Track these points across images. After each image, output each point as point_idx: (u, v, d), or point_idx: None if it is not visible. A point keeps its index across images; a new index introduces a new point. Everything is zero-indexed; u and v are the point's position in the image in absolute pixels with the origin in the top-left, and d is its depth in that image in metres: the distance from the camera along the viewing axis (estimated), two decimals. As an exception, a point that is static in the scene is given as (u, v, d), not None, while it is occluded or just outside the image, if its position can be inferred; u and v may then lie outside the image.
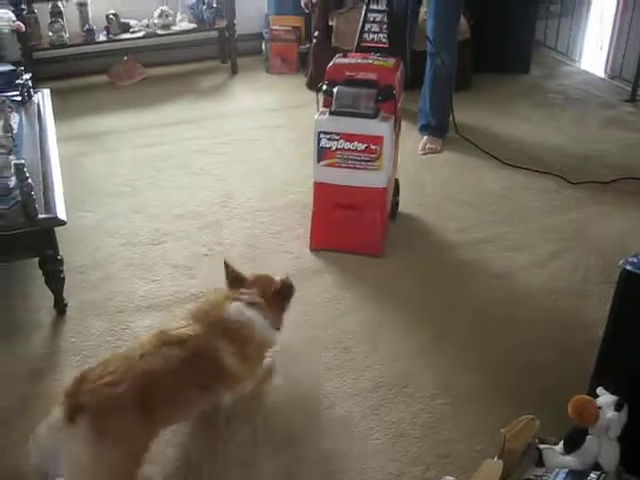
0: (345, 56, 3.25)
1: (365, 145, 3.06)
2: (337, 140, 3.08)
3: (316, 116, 3.13)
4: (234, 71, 5.64)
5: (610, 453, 1.91)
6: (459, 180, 3.96)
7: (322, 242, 3.31)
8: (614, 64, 5.66)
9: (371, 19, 3.33)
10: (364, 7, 3.35)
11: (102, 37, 5.34)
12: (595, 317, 2.62)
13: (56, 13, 5.27)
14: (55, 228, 2.75)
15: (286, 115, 4.82)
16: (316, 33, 5.16)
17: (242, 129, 4.58)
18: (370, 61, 3.17)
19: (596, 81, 5.51)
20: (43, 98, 3.86)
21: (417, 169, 4.06)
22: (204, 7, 5.53)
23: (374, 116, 3.06)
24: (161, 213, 3.61)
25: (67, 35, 5.30)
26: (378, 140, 3.05)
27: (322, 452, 2.28)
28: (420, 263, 3.24)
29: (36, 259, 2.79)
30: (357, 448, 2.29)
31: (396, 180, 3.56)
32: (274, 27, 5.66)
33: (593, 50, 6.07)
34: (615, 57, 5.66)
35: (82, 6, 5.33)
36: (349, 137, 3.07)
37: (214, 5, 5.57)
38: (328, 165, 3.14)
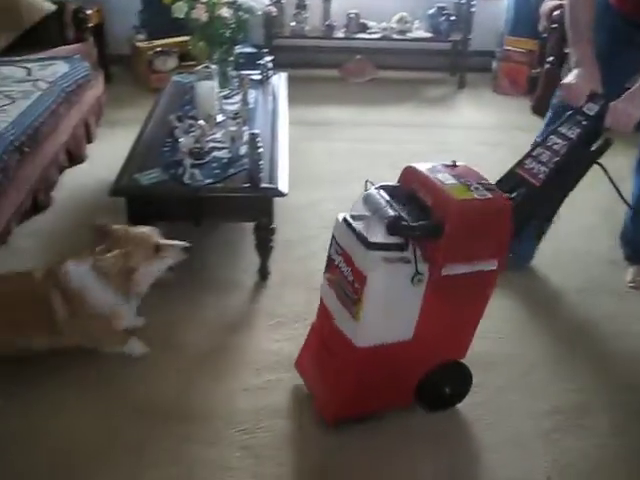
0: (453, 166, 2.18)
1: (353, 279, 2.13)
2: (339, 255, 2.22)
3: (340, 214, 2.26)
4: (461, 85, 5.69)
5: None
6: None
7: (302, 366, 2.52)
8: None
9: (549, 143, 2.31)
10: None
11: (340, 34, 5.59)
12: None
13: (302, 5, 5.58)
14: (274, 200, 2.92)
15: (507, 135, 4.76)
16: (550, 59, 5.08)
17: (461, 141, 4.61)
18: (450, 183, 2.07)
19: None
20: (280, 80, 4.10)
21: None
22: (442, 18, 5.62)
23: (374, 247, 2.07)
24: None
25: (308, 27, 5.58)
26: (362, 281, 2.08)
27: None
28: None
29: (251, 225, 2.98)
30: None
31: (456, 365, 2.39)
32: (507, 47, 5.64)
33: None
34: None
35: (326, 2, 5.60)
36: (347, 259, 2.17)
37: (452, 17, 5.64)
38: (328, 280, 2.32)
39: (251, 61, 4.19)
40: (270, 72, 4.09)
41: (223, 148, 3.12)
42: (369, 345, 2.18)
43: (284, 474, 2.19)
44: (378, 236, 2.08)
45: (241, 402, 2.44)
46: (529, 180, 2.24)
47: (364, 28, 5.62)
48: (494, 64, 5.73)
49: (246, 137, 3.05)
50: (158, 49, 5.33)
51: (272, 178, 2.90)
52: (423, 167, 2.18)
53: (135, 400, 2.44)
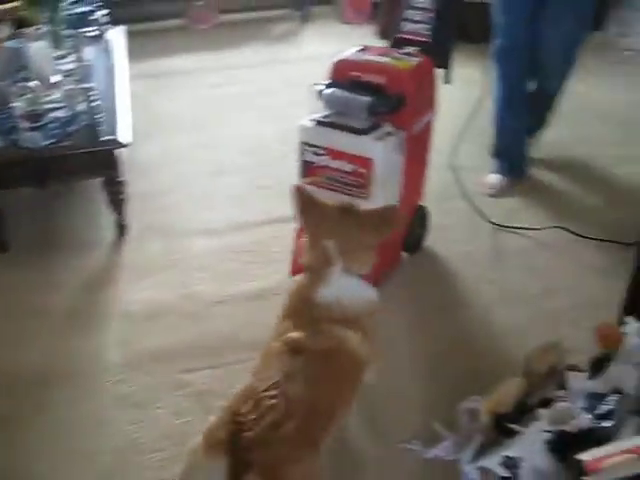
0: (364, 49, 2.58)
1: (352, 167, 2.39)
2: (322, 155, 2.43)
3: (301, 121, 2.49)
4: (306, 19, 5.69)
5: (632, 377, 1.94)
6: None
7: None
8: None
9: (416, 3, 2.61)
10: None
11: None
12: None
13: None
14: (122, 156, 2.91)
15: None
16: (389, -18, 5.15)
17: (308, 74, 4.60)
18: (386, 60, 2.47)
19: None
20: (117, 34, 4.01)
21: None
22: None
23: (365, 132, 2.37)
24: (222, 149, 3.74)
25: (145, -22, 5.45)
26: (367, 163, 2.36)
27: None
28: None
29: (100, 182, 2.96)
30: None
31: (421, 208, 2.88)
32: (348, -25, 5.66)
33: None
34: None
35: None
36: (335, 154, 2.40)
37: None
38: (312, 184, 2.35)
39: (85, 18, 4.07)
40: (105, 27, 3.99)
41: (62, 107, 3.05)
42: None
43: (163, 415, 2.22)
44: (357, 122, 2.37)
45: (114, 355, 2.46)
46: (418, 39, 2.61)
47: (201, -29, 5.53)
48: (338, -6, 5.76)
49: (82, 92, 3.01)
50: (-13, 17, 5.10)
51: (112, 130, 2.87)
52: (352, 57, 2.54)
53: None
